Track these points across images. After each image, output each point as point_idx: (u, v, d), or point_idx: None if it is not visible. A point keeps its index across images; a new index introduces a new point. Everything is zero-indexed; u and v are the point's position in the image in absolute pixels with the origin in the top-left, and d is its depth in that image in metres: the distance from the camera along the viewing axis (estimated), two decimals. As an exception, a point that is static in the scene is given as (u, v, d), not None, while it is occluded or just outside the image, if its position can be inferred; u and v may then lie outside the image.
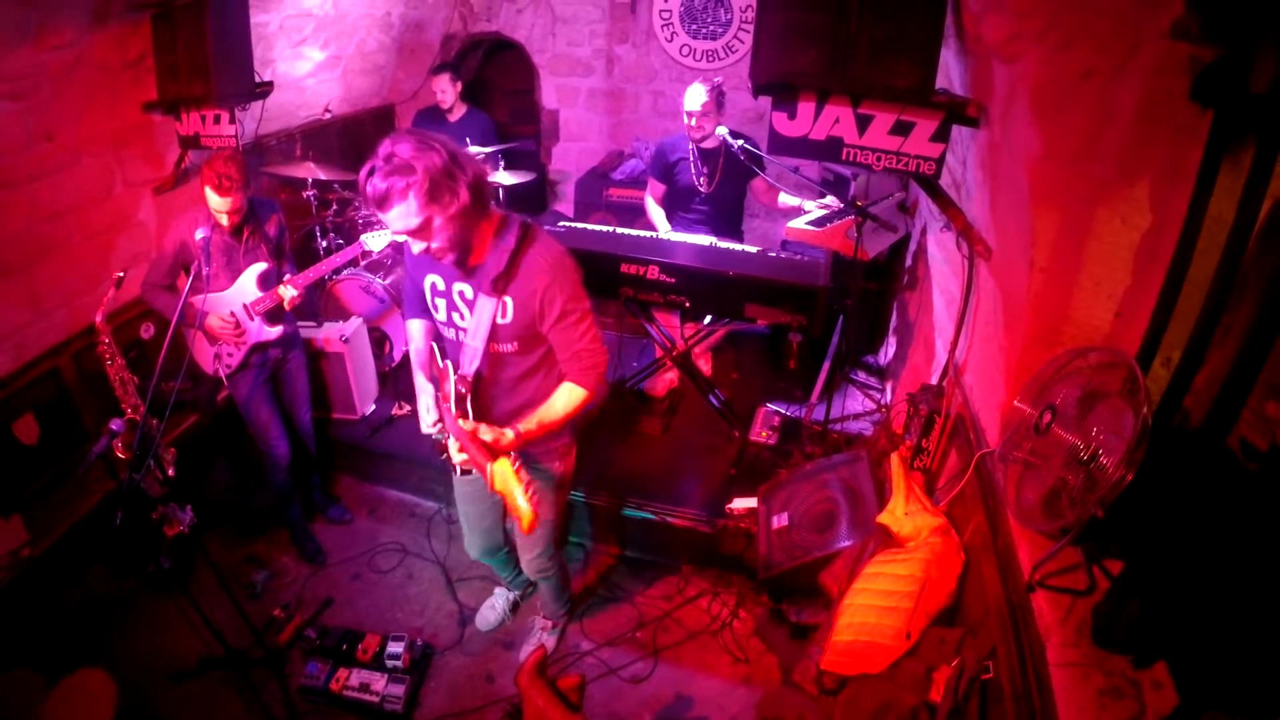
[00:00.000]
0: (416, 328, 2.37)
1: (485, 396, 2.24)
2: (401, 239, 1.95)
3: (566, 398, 2.12)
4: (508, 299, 2.05)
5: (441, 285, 2.17)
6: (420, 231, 1.88)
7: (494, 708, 2.88)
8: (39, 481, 3.09)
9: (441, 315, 2.21)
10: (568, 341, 2.09)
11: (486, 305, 2.05)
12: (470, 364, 2.13)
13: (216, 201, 2.84)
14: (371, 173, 1.80)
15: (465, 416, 2.13)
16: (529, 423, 2.08)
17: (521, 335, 2.12)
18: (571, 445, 2.53)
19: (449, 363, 2.21)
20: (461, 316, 2.15)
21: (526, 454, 2.39)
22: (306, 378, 3.50)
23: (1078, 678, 1.51)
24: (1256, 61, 1.49)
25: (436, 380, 2.28)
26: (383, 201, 1.80)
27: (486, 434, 1.99)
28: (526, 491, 1.86)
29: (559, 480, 2.53)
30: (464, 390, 2.14)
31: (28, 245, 3.00)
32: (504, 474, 1.89)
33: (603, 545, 3.63)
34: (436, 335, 2.34)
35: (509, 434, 2.03)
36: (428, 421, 2.32)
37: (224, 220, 2.93)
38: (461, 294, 2.13)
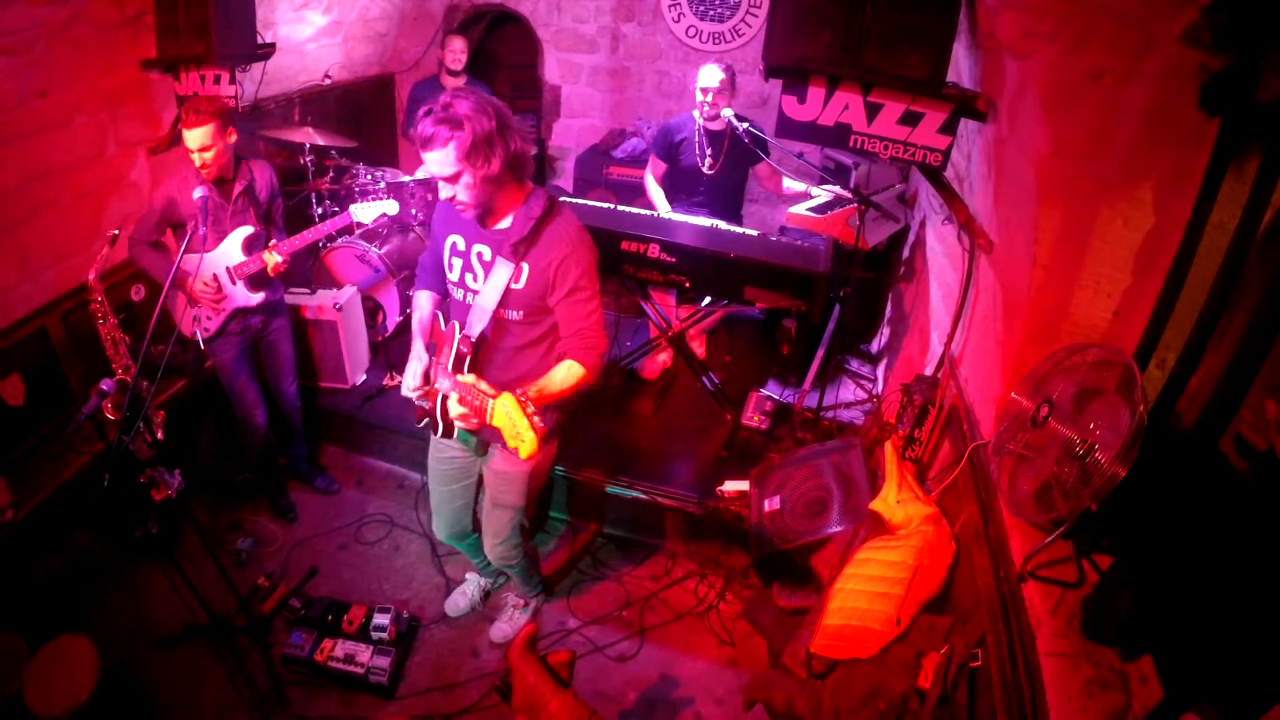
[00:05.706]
0: (424, 297, 2.45)
1: (483, 363, 2.28)
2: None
3: (565, 373, 2.17)
4: (525, 265, 2.13)
5: (462, 245, 2.23)
6: (451, 180, 2.01)
7: (479, 681, 2.89)
8: (25, 443, 3.05)
9: (455, 275, 2.28)
10: (573, 317, 2.15)
11: (503, 268, 2.13)
12: (477, 326, 2.18)
13: (189, 138, 2.77)
14: (427, 113, 1.95)
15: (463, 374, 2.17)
16: (529, 390, 2.08)
17: (530, 304, 2.18)
18: (554, 434, 2.53)
19: (455, 323, 2.25)
20: (475, 278, 2.22)
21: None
22: (291, 348, 3.44)
23: (1067, 668, 1.54)
24: (1264, 72, 1.50)
25: (435, 347, 2.31)
26: (426, 143, 1.95)
27: (487, 388, 2.05)
28: (532, 418, 1.91)
29: (534, 468, 2.50)
30: (465, 351, 2.19)
31: (17, 204, 2.93)
32: (506, 405, 1.94)
33: (591, 523, 3.64)
34: (442, 305, 2.41)
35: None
36: (409, 385, 2.34)
37: (198, 160, 2.81)
38: (480, 255, 2.20)
